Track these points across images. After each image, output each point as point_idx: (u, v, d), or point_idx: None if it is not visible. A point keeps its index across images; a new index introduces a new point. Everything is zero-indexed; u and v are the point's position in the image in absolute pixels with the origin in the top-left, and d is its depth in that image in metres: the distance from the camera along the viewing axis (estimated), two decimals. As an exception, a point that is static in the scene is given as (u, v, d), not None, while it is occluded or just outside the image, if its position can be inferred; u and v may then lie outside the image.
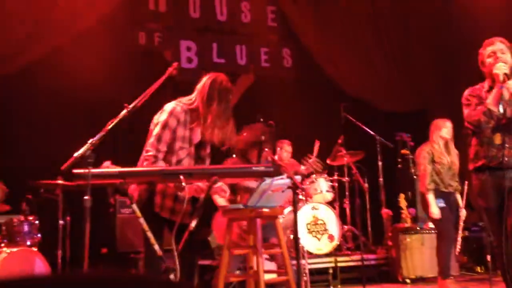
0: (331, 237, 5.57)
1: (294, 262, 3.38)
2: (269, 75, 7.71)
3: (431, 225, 5.64)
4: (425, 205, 5.17)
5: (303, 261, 4.64)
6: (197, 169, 3.22)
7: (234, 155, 5.34)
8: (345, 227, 6.10)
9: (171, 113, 3.30)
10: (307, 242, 5.47)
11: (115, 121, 3.13)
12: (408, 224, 5.93)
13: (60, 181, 4.79)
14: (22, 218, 4.55)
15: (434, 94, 7.80)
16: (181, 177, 3.02)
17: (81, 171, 2.89)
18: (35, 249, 4.43)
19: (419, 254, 5.68)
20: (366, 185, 5.94)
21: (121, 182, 3.09)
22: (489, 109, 3.28)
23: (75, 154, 2.91)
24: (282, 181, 3.31)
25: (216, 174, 3.17)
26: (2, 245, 4.37)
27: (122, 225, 5.23)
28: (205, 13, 7.47)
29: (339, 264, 5.57)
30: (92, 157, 2.94)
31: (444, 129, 5.11)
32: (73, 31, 6.30)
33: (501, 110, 3.30)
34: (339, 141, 5.73)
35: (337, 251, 5.76)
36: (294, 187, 3.30)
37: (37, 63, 6.09)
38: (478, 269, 6.07)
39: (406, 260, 5.64)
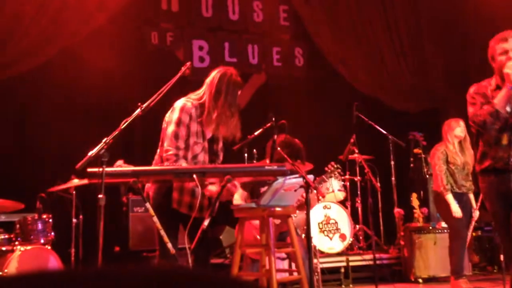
0: (343, 236, 5.57)
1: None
2: (281, 75, 7.71)
3: (443, 224, 5.62)
4: (438, 205, 5.14)
5: (315, 260, 4.63)
6: (210, 168, 3.24)
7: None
8: (357, 226, 6.09)
9: (183, 109, 3.31)
10: (319, 241, 5.47)
11: (129, 120, 3.15)
12: (420, 223, 5.90)
13: (74, 181, 4.84)
14: (36, 216, 4.59)
15: (446, 92, 7.75)
16: (195, 176, 3.05)
17: (95, 169, 2.92)
18: (48, 247, 4.47)
19: (431, 254, 5.65)
20: (378, 184, 5.91)
21: (135, 180, 3.13)
22: (496, 111, 3.11)
23: (90, 153, 2.94)
24: (295, 180, 3.32)
25: (229, 173, 3.19)
26: (16, 243, 4.41)
27: (135, 223, 5.27)
28: (217, 12, 7.48)
29: (351, 264, 5.56)
30: (106, 156, 2.97)
31: (457, 128, 5.08)
32: (86, 31, 6.34)
33: (509, 109, 3.13)
34: (352, 140, 5.72)
35: (349, 251, 5.75)
36: (306, 186, 3.30)
37: (50, 63, 6.14)
38: (491, 268, 6.04)
39: (418, 260, 5.61)
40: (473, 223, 5.31)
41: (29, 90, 6.10)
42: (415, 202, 5.98)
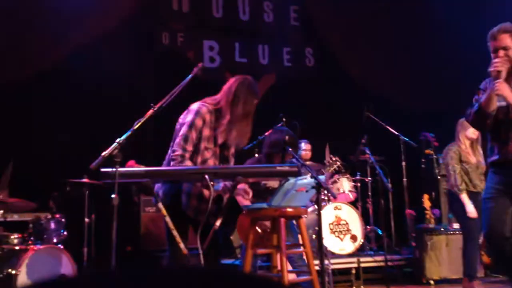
0: (354, 237, 5.55)
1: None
2: (291, 75, 7.71)
3: (455, 226, 5.58)
4: (452, 205, 5.11)
5: (326, 261, 4.63)
6: (222, 169, 3.25)
7: (256, 155, 5.36)
8: (368, 227, 6.07)
9: (197, 113, 3.33)
10: (330, 242, 5.46)
11: (142, 120, 3.17)
12: (432, 224, 5.87)
13: (86, 180, 4.88)
14: (49, 215, 4.63)
15: (459, 93, 7.70)
16: (206, 176, 3.06)
17: (109, 169, 2.94)
18: (61, 246, 4.51)
19: (443, 255, 5.62)
20: (389, 185, 5.89)
21: (147, 181, 3.14)
22: (480, 109, 3.12)
23: (103, 153, 2.96)
24: (306, 180, 3.32)
25: (240, 174, 3.20)
26: (29, 242, 4.45)
27: (147, 223, 5.29)
28: (227, 13, 7.50)
29: (362, 265, 5.55)
30: (119, 156, 2.99)
31: (470, 129, 5.05)
32: (99, 31, 6.38)
33: (503, 104, 3.11)
34: (363, 140, 5.70)
35: (360, 252, 5.74)
36: (318, 187, 3.30)
37: (63, 63, 6.18)
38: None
39: (430, 261, 5.58)
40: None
41: (42, 90, 6.15)
42: (426, 203, 5.95)
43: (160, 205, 3.18)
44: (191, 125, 3.30)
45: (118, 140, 3.02)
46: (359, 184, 6.14)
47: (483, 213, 3.42)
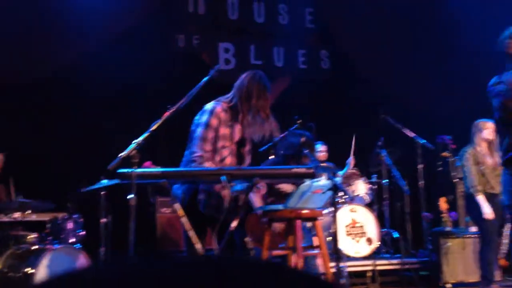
0: (369, 240, 5.53)
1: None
2: (307, 77, 7.70)
3: (473, 229, 5.53)
4: (469, 207, 5.06)
5: (341, 264, 4.61)
6: (238, 170, 3.26)
7: (272, 156, 5.37)
8: (384, 230, 6.04)
9: (212, 113, 3.34)
10: (345, 244, 5.44)
11: (159, 122, 3.20)
12: (448, 228, 5.82)
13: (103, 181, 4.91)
14: (66, 215, 4.68)
15: (476, 95, 7.62)
16: (223, 178, 3.07)
17: (126, 170, 2.97)
18: (79, 246, 4.55)
19: (460, 259, 5.57)
20: (406, 188, 5.86)
21: (164, 182, 3.16)
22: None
23: (121, 154, 2.99)
24: (322, 182, 3.31)
25: (257, 175, 3.20)
26: (47, 241, 4.50)
27: (162, 224, 5.32)
28: (243, 15, 7.52)
29: (377, 268, 5.51)
30: (137, 157, 3.02)
31: (485, 130, 5.00)
32: (114, 33, 6.44)
33: None
34: (379, 143, 5.68)
35: (375, 254, 5.70)
36: (334, 188, 3.29)
37: (80, 64, 6.25)
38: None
39: (447, 265, 5.53)
40: (507, 225, 5.21)
41: (59, 91, 6.22)
42: (443, 206, 5.90)
43: (177, 205, 3.20)
44: (207, 125, 3.32)
45: (135, 141, 3.05)
46: (375, 187, 6.10)
47: None
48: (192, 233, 3.16)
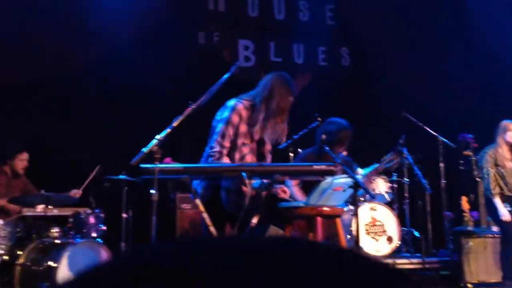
0: (389, 239, 5.49)
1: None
2: (327, 74, 7.67)
3: (494, 229, 5.45)
4: (489, 208, 5.00)
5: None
6: (259, 166, 3.26)
7: (291, 154, 5.36)
8: (404, 229, 5.99)
9: (234, 110, 3.35)
10: (365, 243, 5.41)
11: (181, 118, 3.22)
12: (470, 227, 5.75)
13: (124, 176, 4.98)
14: (88, 210, 4.74)
15: (499, 93, 7.51)
16: (244, 174, 3.07)
17: (148, 166, 2.99)
18: (100, 240, 4.61)
19: (482, 259, 5.49)
20: (427, 186, 5.79)
21: (186, 177, 3.18)
22: None
23: (143, 150, 3.02)
24: (344, 180, 3.30)
25: (278, 172, 3.20)
26: (69, 236, 4.56)
27: (182, 220, 5.36)
28: (263, 12, 7.51)
29: (398, 266, 5.47)
30: (159, 152, 3.04)
31: (509, 132, 4.93)
32: (135, 30, 6.48)
33: None
34: (400, 141, 5.62)
35: (396, 253, 5.66)
36: (355, 186, 3.28)
37: (101, 60, 6.31)
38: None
39: (468, 264, 5.46)
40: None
41: (80, 86, 6.29)
42: (465, 205, 5.82)
43: (198, 201, 3.22)
44: (228, 122, 3.33)
45: (157, 136, 3.08)
46: (395, 185, 6.05)
47: None
48: (212, 229, 3.17)
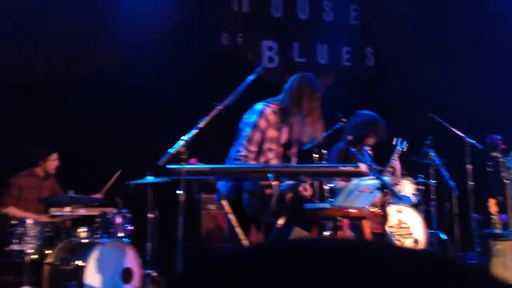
0: (416, 241, 5.42)
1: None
2: (351, 75, 7.61)
3: (525, 232, 5.35)
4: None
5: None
6: (285, 168, 3.26)
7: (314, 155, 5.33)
8: (431, 231, 5.90)
9: (261, 114, 3.36)
10: (391, 245, 5.35)
11: (207, 119, 3.23)
12: (498, 230, 5.64)
13: (150, 177, 5.02)
14: (115, 210, 4.79)
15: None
16: (270, 175, 3.07)
17: (175, 166, 3.02)
18: (127, 240, 4.66)
19: (510, 262, 5.38)
20: (454, 188, 5.71)
21: (212, 178, 3.20)
22: None
23: (170, 150, 3.04)
24: (371, 181, 3.27)
25: (304, 173, 3.19)
26: (97, 235, 4.62)
27: (207, 220, 5.38)
28: (287, 12, 7.50)
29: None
30: (185, 153, 3.07)
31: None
32: (158, 31, 6.53)
33: None
34: (427, 142, 5.56)
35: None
36: (382, 188, 3.25)
37: (127, 62, 6.37)
38: None
39: (496, 268, 5.36)
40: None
41: (105, 88, 6.36)
42: (493, 208, 5.71)
43: (224, 202, 3.23)
44: (255, 126, 3.33)
45: (183, 137, 3.10)
46: (422, 187, 5.98)
47: None
48: (238, 230, 3.18)
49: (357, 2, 7.74)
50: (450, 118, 6.07)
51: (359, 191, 3.30)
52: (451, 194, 5.99)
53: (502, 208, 6.04)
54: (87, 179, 5.44)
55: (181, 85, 6.63)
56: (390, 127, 6.99)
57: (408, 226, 5.45)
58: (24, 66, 5.94)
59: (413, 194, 5.70)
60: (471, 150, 5.96)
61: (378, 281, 0.54)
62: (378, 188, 3.25)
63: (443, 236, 5.96)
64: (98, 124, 6.27)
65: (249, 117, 3.38)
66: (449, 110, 6.77)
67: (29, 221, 4.58)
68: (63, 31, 6.05)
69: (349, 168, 3.19)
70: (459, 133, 5.91)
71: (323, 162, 5.09)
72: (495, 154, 6.05)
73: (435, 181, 6.08)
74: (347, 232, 3.35)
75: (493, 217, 5.72)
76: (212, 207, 5.41)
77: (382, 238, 3.77)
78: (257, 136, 3.32)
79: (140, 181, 5.07)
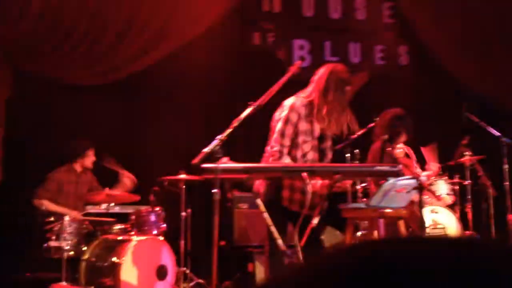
0: (451, 242, 5.32)
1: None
2: (384, 74, 7.52)
3: None
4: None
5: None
6: (320, 167, 3.25)
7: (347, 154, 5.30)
8: (467, 232, 5.78)
9: (292, 108, 3.36)
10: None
11: (241, 118, 3.24)
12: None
13: (183, 175, 5.07)
14: (149, 208, 4.86)
15: None
16: (304, 174, 3.06)
17: (210, 165, 3.04)
18: (161, 238, 4.71)
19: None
20: (491, 189, 5.58)
21: (248, 177, 3.21)
22: None
23: (205, 149, 3.07)
24: (407, 181, 3.23)
25: (339, 172, 3.17)
26: (132, 233, 4.69)
27: (240, 219, 5.40)
28: (319, 11, 7.45)
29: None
30: (220, 152, 3.08)
31: None
32: (192, 33, 6.58)
33: None
34: (463, 141, 5.45)
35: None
36: (420, 188, 3.21)
37: (159, 62, 6.44)
38: None
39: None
40: None
41: (139, 89, 6.45)
42: (531, 208, 5.56)
43: (259, 201, 3.24)
44: (287, 120, 3.33)
45: (219, 136, 3.12)
46: (457, 187, 5.86)
47: None
48: (273, 229, 3.18)
49: (391, 0, 7.63)
50: (486, 117, 5.94)
51: (396, 191, 3.26)
52: (487, 194, 5.86)
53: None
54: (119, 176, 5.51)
55: (213, 84, 6.68)
56: (425, 127, 6.90)
57: (443, 227, 5.35)
58: (62, 64, 6.06)
59: (448, 194, 5.60)
60: (507, 150, 5.82)
61: None
62: (415, 188, 3.21)
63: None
64: (132, 123, 6.36)
65: (280, 113, 3.38)
66: (485, 108, 6.63)
67: (66, 218, 4.68)
68: (102, 32, 6.15)
69: (385, 168, 3.15)
70: (495, 132, 5.77)
71: (356, 161, 5.06)
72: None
73: (471, 181, 5.96)
74: (382, 232, 3.31)
75: (531, 218, 5.58)
76: (245, 205, 5.42)
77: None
78: (289, 130, 3.31)
79: (173, 179, 5.13)
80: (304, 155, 3.32)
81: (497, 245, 0.58)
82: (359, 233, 4.15)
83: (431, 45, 7.45)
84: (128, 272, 4.31)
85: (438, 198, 5.17)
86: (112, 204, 5.04)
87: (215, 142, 3.09)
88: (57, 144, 5.56)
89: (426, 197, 5.13)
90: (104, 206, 5.04)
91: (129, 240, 4.47)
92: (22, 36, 5.74)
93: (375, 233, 3.36)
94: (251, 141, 5.78)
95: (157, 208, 4.84)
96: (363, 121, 4.96)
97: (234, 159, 3.22)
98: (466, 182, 5.95)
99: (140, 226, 4.72)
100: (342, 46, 7.53)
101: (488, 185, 5.31)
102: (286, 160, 3.29)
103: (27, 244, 5.13)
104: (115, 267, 4.31)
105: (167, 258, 4.55)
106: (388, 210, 3.32)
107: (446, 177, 5.68)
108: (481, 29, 7.41)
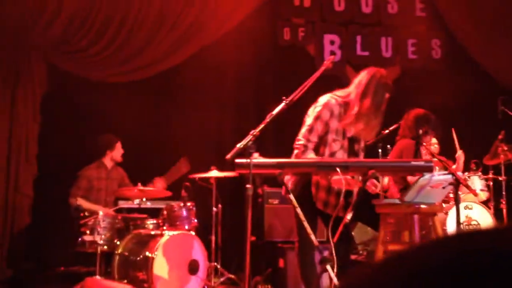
0: (486, 240, 5.20)
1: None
2: (417, 68, 7.39)
3: None
4: None
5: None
6: (353, 162, 3.21)
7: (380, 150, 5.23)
8: (502, 229, 5.65)
9: (325, 106, 3.33)
10: (460, 243, 5.17)
11: (275, 113, 3.23)
12: None
13: (214, 171, 5.10)
14: (181, 204, 4.90)
15: None
16: (338, 169, 3.03)
17: (244, 160, 3.04)
18: (193, 233, 4.75)
19: None
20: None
21: (280, 172, 3.19)
22: None
23: (238, 145, 3.07)
24: (443, 176, 3.17)
25: (373, 167, 3.13)
26: (164, 228, 4.73)
27: (270, 215, 5.39)
28: (349, 6, 7.37)
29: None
30: (253, 147, 3.08)
31: None
32: (223, 30, 6.59)
33: None
34: (500, 136, 5.31)
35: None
36: (456, 183, 3.14)
37: (188, 58, 6.47)
38: None
39: None
40: None
41: (169, 85, 6.49)
42: None
43: (291, 196, 3.22)
44: (318, 117, 3.31)
45: (252, 132, 3.11)
46: (492, 183, 5.72)
47: None
48: (306, 224, 3.16)
49: (423, -7, 7.50)
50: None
51: (431, 187, 3.20)
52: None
53: None
54: (152, 172, 5.57)
55: (244, 80, 6.68)
56: (459, 121, 6.75)
57: (477, 223, 5.24)
58: (94, 64, 6.16)
59: (482, 190, 5.48)
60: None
61: None
62: (451, 183, 3.15)
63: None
64: (163, 118, 6.42)
65: (314, 109, 3.36)
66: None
67: (100, 213, 4.76)
68: (132, 32, 6.22)
69: (420, 163, 3.10)
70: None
71: (387, 157, 4.99)
72: None
73: (506, 177, 5.81)
74: (417, 230, 3.26)
75: None
76: (275, 201, 5.41)
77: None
78: (319, 127, 3.29)
79: (205, 175, 5.16)
80: (332, 154, 3.29)
81: None
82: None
83: (464, 38, 7.29)
84: (160, 266, 4.36)
85: (475, 193, 5.05)
86: (144, 199, 5.09)
87: (248, 138, 3.08)
88: (87, 140, 5.66)
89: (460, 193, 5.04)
90: (136, 201, 5.10)
91: (161, 235, 4.51)
92: (55, 37, 5.87)
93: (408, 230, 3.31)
94: (280, 136, 5.77)
95: (189, 204, 4.88)
96: (396, 116, 4.89)
97: (263, 154, 3.21)
98: (501, 178, 5.82)
99: (172, 221, 4.76)
100: (374, 40, 7.43)
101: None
102: (310, 155, 3.27)
103: (62, 238, 5.24)
104: (148, 262, 4.36)
105: (198, 253, 4.59)
106: (423, 206, 3.26)
107: (480, 173, 5.56)
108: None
